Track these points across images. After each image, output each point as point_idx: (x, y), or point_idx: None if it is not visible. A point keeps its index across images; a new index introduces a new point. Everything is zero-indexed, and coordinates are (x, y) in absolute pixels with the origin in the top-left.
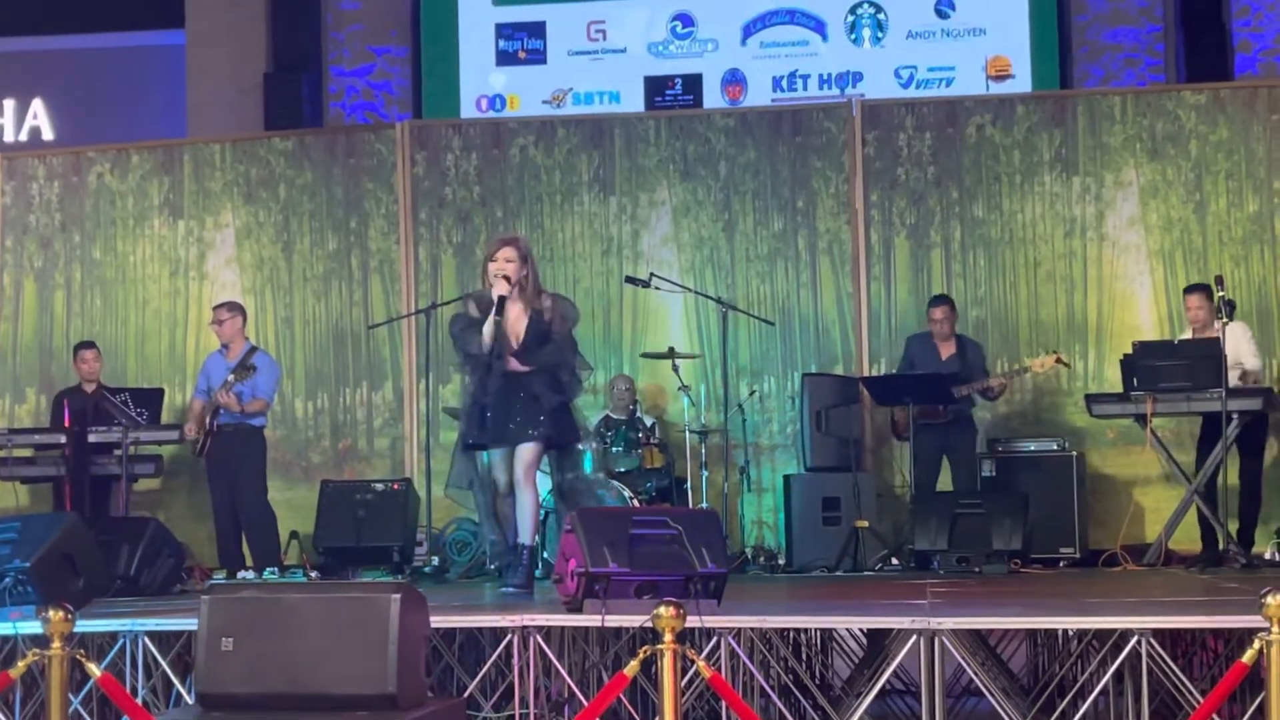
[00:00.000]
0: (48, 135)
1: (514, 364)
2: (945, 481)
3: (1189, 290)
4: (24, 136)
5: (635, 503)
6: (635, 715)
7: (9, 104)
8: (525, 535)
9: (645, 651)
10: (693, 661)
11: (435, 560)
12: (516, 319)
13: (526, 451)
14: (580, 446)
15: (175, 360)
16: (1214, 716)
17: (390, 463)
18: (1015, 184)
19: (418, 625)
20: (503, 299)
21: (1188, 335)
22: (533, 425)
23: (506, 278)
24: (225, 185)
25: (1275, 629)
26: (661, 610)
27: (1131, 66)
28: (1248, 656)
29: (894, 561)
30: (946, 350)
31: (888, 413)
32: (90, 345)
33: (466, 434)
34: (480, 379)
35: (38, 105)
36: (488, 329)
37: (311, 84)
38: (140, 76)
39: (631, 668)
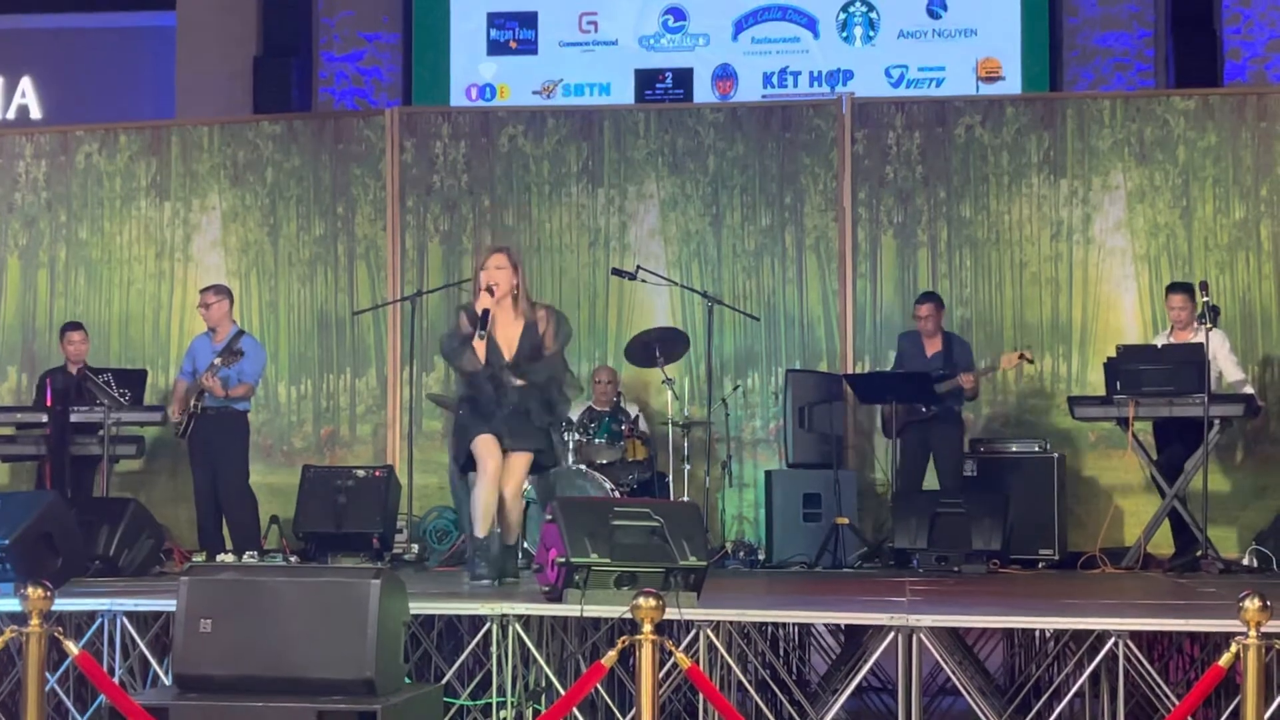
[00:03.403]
0: (36, 114)
1: (513, 379)
2: (930, 480)
3: (1173, 289)
4: (12, 115)
5: (617, 495)
6: (612, 706)
7: None
8: (509, 536)
9: (624, 642)
10: (671, 653)
11: (415, 548)
12: (507, 328)
13: (518, 470)
14: (550, 472)
15: (159, 342)
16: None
17: (372, 449)
18: (1003, 185)
19: (397, 611)
20: (486, 313)
21: (1167, 335)
22: (522, 438)
23: (490, 290)
24: (212, 168)
25: (1252, 633)
26: (641, 601)
27: (1121, 71)
28: (1224, 660)
29: (874, 559)
30: (932, 347)
31: (870, 410)
32: (78, 327)
33: (459, 452)
34: (480, 394)
35: (26, 83)
36: (478, 346)
37: (301, 69)
38: (130, 57)
39: (609, 658)
